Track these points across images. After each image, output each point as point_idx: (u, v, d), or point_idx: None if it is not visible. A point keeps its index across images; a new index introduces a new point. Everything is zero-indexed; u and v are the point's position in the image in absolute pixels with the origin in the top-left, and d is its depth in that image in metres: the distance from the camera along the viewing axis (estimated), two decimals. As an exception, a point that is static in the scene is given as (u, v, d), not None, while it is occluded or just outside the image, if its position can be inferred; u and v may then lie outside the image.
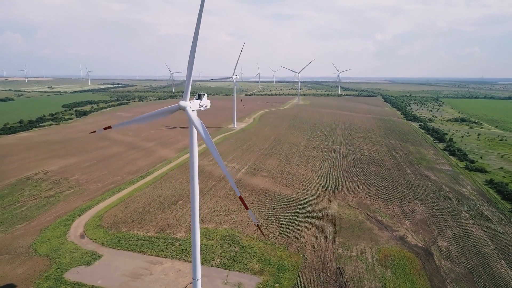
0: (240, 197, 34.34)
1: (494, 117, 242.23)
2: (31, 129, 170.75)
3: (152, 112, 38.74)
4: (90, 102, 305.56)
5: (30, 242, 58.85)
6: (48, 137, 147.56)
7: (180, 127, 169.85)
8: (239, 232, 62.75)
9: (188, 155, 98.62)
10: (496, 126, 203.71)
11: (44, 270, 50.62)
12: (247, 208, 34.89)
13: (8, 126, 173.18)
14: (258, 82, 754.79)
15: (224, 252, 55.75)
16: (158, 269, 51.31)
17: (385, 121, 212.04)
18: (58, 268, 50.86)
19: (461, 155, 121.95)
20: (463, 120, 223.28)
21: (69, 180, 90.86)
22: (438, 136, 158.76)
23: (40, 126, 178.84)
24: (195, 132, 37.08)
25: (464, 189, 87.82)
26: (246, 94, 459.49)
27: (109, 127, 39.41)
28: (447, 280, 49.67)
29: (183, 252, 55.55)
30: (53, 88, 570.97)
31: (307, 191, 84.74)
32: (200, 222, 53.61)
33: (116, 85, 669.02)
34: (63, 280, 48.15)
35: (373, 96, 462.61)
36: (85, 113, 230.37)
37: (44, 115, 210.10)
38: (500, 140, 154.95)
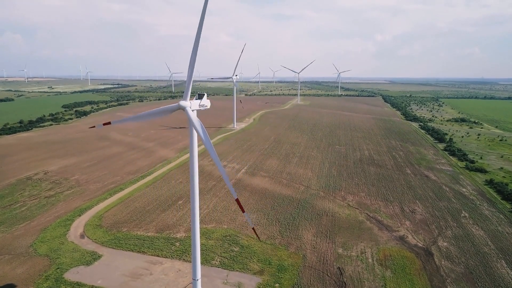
0: (237, 200, 34.33)
1: (494, 117, 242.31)
2: (31, 129, 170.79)
3: (152, 110, 38.76)
4: (90, 102, 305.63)
5: (30, 242, 58.84)
6: (48, 137, 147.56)
7: (180, 127, 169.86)
8: (239, 232, 62.74)
9: (188, 155, 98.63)
10: (496, 126, 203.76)
11: (44, 270, 50.61)
12: (243, 211, 34.87)
13: (8, 126, 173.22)
14: (258, 82, 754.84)
15: (224, 252, 55.74)
16: (158, 269, 51.29)
17: (385, 121, 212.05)
18: (58, 268, 50.85)
19: (461, 155, 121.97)
20: (463, 120, 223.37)
21: (69, 180, 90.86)
22: (438, 136, 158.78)
23: (40, 126, 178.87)
24: (195, 132, 37.08)
25: (464, 189, 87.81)
26: (246, 95, 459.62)
27: (109, 123, 39.48)
28: (447, 280, 49.65)
29: (183, 252, 55.53)
30: (53, 88, 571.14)
31: (307, 191, 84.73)
32: (200, 222, 53.60)
33: (116, 86, 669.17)
34: (63, 280, 48.13)
35: (373, 96, 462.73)
36: (85, 113, 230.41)
37: (44, 115, 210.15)
38: (500, 140, 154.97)
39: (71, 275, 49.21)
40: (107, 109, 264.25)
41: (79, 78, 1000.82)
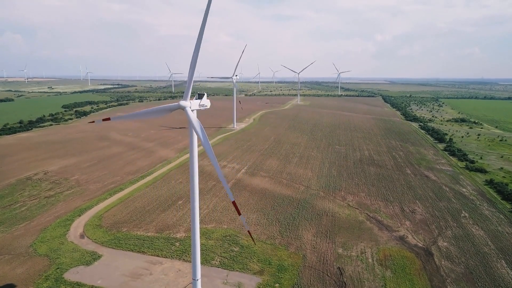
0: (233, 202, 34.29)
1: (494, 118, 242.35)
2: (31, 129, 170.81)
3: (152, 108, 38.75)
4: (90, 103, 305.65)
5: (30, 242, 58.81)
6: (48, 138, 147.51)
7: (180, 128, 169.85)
8: (239, 232, 62.70)
9: (188, 155, 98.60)
10: (496, 127, 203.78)
11: (43, 270, 50.58)
12: (239, 214, 34.81)
13: (8, 126, 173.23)
14: (258, 82, 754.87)
15: (224, 252, 55.71)
16: (158, 269, 51.27)
17: (385, 122, 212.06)
18: (57, 268, 50.82)
19: (461, 155, 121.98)
20: (463, 120, 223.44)
21: (69, 180, 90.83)
22: (438, 136, 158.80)
23: (40, 127, 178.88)
24: (195, 132, 37.05)
25: (464, 189, 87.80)
26: (246, 95, 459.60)
27: (108, 119, 39.46)
28: (447, 280, 49.64)
29: (183, 252, 55.51)
30: (53, 88, 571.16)
31: (307, 191, 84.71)
32: (200, 222, 53.58)
33: (116, 86, 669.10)
34: (62, 280, 48.11)
35: (373, 96, 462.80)
36: (85, 114, 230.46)
37: (44, 116, 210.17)
38: (500, 140, 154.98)
39: (71, 275, 49.19)
40: (107, 109, 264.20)
41: (79, 78, 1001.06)
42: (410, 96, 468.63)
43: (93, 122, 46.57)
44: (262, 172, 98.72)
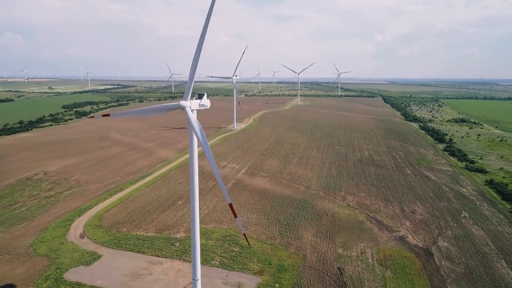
0: (230, 205, 34.29)
1: (494, 118, 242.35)
2: (31, 129, 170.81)
3: (152, 106, 38.78)
4: (90, 103, 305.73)
5: (30, 242, 58.79)
6: (48, 138, 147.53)
7: (180, 128, 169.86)
8: (239, 232, 62.67)
9: (188, 155, 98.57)
10: (496, 127, 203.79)
11: (43, 270, 50.56)
12: (236, 216, 34.74)
13: (8, 126, 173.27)
14: (258, 83, 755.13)
15: (224, 252, 55.69)
16: (158, 269, 51.25)
17: (385, 122, 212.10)
18: (57, 268, 50.80)
19: (461, 156, 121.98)
20: (463, 120, 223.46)
21: (69, 181, 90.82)
22: (438, 136, 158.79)
23: (40, 127, 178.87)
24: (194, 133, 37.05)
25: (464, 190, 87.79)
26: (246, 95, 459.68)
27: (108, 115, 39.47)
28: (447, 280, 49.62)
29: (183, 252, 55.49)
30: (53, 89, 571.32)
31: (307, 191, 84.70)
32: (200, 222, 53.55)
33: (116, 86, 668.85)
34: (62, 280, 48.09)
35: (373, 96, 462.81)
36: (85, 114, 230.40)
37: (44, 116, 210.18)
38: (500, 140, 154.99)
39: (70, 275, 49.17)
40: (107, 110, 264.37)
41: (79, 79, 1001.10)
42: (410, 96, 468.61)
43: (93, 117, 47.41)
44: (262, 172, 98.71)
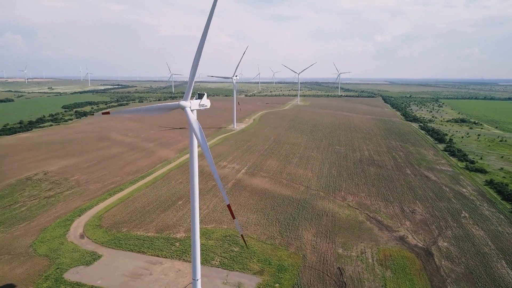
0: (228, 206, 34.32)
1: (494, 118, 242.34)
2: (31, 129, 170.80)
3: (152, 105, 38.83)
4: (90, 103, 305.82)
5: (30, 242, 58.79)
6: (48, 138, 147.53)
7: (180, 128, 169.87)
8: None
9: (188, 155, 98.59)
10: (496, 127, 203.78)
11: (43, 270, 50.56)
12: (234, 217, 34.73)
13: (8, 126, 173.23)
14: (258, 83, 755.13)
15: (224, 252, 55.69)
16: (158, 269, 51.24)
17: (385, 122, 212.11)
18: (57, 268, 50.79)
19: (461, 156, 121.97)
20: (463, 121, 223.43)
21: (69, 181, 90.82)
22: (438, 136, 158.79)
23: (40, 127, 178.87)
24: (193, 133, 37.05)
25: (464, 190, 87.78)
26: (246, 95, 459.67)
27: (107, 113, 39.54)
28: (447, 280, 49.61)
29: (183, 252, 55.48)
30: (53, 89, 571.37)
31: (307, 191, 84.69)
32: (200, 222, 53.55)
33: (116, 86, 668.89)
34: (62, 280, 48.08)
35: (373, 97, 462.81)
36: (85, 114, 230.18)
37: (44, 116, 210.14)
38: (500, 140, 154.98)
39: (70, 275, 49.16)
40: (107, 110, 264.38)
41: (79, 79, 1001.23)
42: (410, 96, 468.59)
43: (93, 115, 47.48)
44: (262, 173, 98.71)
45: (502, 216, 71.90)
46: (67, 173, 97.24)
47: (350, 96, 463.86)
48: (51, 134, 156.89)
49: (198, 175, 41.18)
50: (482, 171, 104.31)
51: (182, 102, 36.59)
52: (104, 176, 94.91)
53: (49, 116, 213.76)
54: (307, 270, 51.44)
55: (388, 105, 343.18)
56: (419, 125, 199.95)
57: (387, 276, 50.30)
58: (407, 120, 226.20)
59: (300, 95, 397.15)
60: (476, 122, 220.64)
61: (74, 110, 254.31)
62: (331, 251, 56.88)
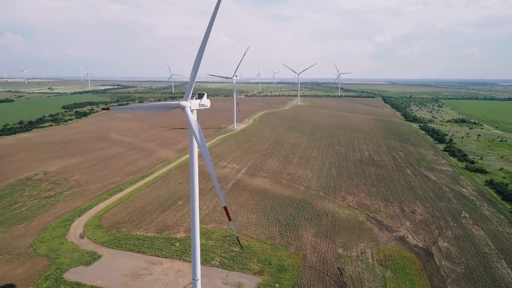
0: (225, 208, 34.32)
1: (494, 118, 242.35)
2: (31, 130, 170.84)
3: (152, 104, 38.93)
4: (90, 103, 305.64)
5: (30, 242, 58.77)
6: (48, 138, 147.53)
7: (180, 128, 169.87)
8: (239, 232, 62.66)
9: (188, 155, 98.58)
10: (496, 127, 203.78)
11: (43, 270, 50.54)
12: (230, 219, 34.72)
13: (8, 127, 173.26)
14: (258, 83, 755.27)
15: (224, 252, 55.67)
16: (158, 269, 51.23)
17: (385, 122, 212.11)
18: (57, 268, 50.78)
19: (461, 156, 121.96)
20: (463, 121, 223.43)
21: (69, 181, 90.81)
22: (438, 137, 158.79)
23: (40, 127, 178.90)
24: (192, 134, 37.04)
25: (464, 190, 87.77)
26: (246, 95, 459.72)
27: (107, 109, 39.62)
28: (448, 280, 49.59)
29: (183, 252, 55.46)
30: (53, 89, 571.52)
31: (307, 191, 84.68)
32: (200, 223, 53.55)
33: (116, 86, 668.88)
34: (62, 280, 48.06)
35: (373, 97, 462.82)
36: (85, 114, 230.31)
37: (44, 116, 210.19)
38: (500, 141, 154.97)
39: (70, 275, 49.14)
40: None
41: (79, 79, 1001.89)
42: (410, 96, 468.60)
43: (92, 109, 47.50)
44: (262, 173, 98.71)
45: (502, 216, 71.90)
46: (67, 173, 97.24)
47: (350, 97, 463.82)
48: (51, 134, 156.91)
49: (198, 175, 41.18)
50: (482, 171, 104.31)
51: (182, 102, 36.58)
52: (104, 176, 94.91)
53: (49, 116, 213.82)
54: (307, 270, 51.43)
55: (388, 105, 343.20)
56: (419, 125, 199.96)
57: (387, 276, 50.29)
58: (407, 120, 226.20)
59: (300, 95, 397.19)
60: (476, 122, 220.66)
61: (74, 110, 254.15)
62: (331, 251, 56.87)
